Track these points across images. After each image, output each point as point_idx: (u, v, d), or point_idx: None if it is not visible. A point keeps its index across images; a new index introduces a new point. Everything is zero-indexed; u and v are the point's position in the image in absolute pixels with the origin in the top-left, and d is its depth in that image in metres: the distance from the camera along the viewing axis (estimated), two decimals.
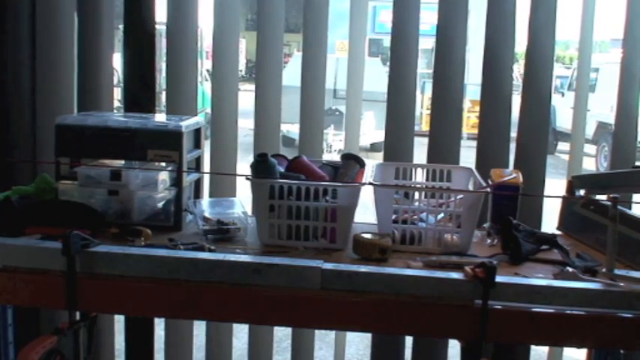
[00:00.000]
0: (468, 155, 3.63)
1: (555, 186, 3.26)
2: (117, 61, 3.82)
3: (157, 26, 3.52)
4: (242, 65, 27.18)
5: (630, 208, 2.78)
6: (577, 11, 3.49)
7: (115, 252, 2.22)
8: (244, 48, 26.13)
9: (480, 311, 2.05)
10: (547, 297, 2.09)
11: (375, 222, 2.67)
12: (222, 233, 2.67)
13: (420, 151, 3.57)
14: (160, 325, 3.70)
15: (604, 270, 2.25)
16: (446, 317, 2.12)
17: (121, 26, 3.50)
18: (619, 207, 2.19)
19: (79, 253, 2.16)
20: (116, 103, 4.09)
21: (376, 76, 6.16)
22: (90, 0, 3.47)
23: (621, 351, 2.69)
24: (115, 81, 4.17)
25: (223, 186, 3.52)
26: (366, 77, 3.77)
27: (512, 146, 3.40)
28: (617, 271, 2.20)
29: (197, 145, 2.96)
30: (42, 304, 2.71)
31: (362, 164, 2.86)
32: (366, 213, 2.81)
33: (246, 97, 4.30)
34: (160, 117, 3.30)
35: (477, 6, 3.71)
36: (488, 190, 2.82)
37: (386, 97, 3.46)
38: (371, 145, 12.43)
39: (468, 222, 2.59)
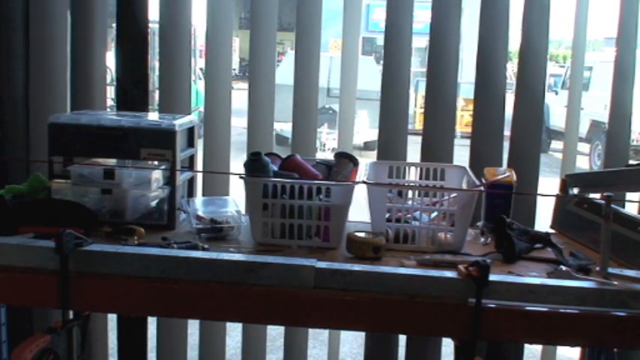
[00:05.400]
0: (461, 154, 3.63)
1: (549, 184, 3.27)
2: (110, 59, 3.81)
3: (149, 25, 3.52)
4: (235, 64, 27.14)
5: (624, 207, 2.78)
6: (570, 10, 3.50)
7: (108, 251, 2.21)
8: (237, 46, 26.13)
9: (474, 310, 2.05)
10: (541, 296, 2.09)
11: (369, 221, 2.67)
12: (215, 232, 2.67)
13: (414, 149, 3.57)
14: (153, 324, 3.70)
15: (597, 269, 2.25)
16: (439, 316, 2.12)
17: (114, 25, 3.49)
18: (612, 205, 2.19)
19: (72, 252, 2.15)
20: (109, 102, 4.08)
21: (370, 75, 6.16)
22: None
23: (615, 350, 2.70)
24: (108, 80, 4.15)
25: (217, 185, 3.52)
26: (359, 76, 3.76)
27: (506, 145, 3.40)
28: (610, 270, 2.20)
29: (190, 143, 2.96)
30: (35, 303, 2.70)
31: (355, 163, 2.86)
32: (359, 212, 2.80)
33: (239, 96, 4.30)
34: (153, 116, 3.29)
35: (470, 4, 3.71)
36: (482, 188, 2.82)
37: (379, 95, 3.46)
38: (364, 143, 12.42)
39: (461, 220, 2.59)
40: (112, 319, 3.81)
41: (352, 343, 4.99)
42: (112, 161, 2.92)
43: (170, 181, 2.80)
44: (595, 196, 2.88)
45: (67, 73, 3.52)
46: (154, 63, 4.91)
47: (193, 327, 3.81)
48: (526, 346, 3.54)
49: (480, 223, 2.91)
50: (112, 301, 2.25)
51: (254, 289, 2.15)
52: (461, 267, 2.11)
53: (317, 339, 4.85)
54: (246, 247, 2.58)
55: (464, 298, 2.09)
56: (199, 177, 3.25)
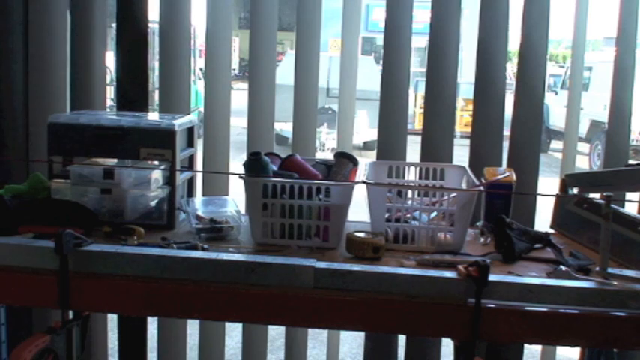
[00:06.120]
0: (461, 154, 3.63)
1: (548, 184, 3.27)
2: (110, 59, 3.82)
3: (149, 25, 3.52)
4: (235, 64, 27.16)
5: (623, 207, 2.78)
6: (570, 10, 3.50)
7: (107, 251, 2.21)
8: (237, 46, 26.15)
9: (473, 310, 2.05)
10: (540, 296, 2.09)
11: (369, 220, 2.67)
12: (215, 232, 2.67)
13: (413, 149, 3.58)
14: (152, 324, 3.70)
15: (597, 268, 2.25)
16: (439, 316, 2.12)
17: (113, 25, 3.49)
18: (612, 205, 2.19)
19: (72, 252, 2.15)
20: (109, 102, 4.08)
21: (369, 75, 6.16)
22: None
23: (614, 349, 2.70)
24: (108, 79, 4.16)
25: (216, 185, 3.52)
26: (359, 76, 3.77)
27: (506, 145, 3.40)
28: (610, 270, 2.20)
29: (190, 143, 2.96)
30: (35, 303, 2.70)
31: (355, 163, 2.86)
32: (359, 212, 2.80)
33: (239, 96, 4.30)
34: (153, 115, 3.29)
35: (470, 4, 3.72)
36: (482, 188, 2.82)
37: (379, 95, 3.46)
38: (364, 143, 12.44)
39: (461, 220, 2.59)
40: (112, 319, 3.81)
41: (352, 343, 4.99)
42: (112, 161, 2.92)
43: (170, 181, 2.79)
44: (595, 196, 2.88)
45: (66, 72, 3.52)
46: (154, 63, 4.91)
47: (193, 327, 3.81)
48: (526, 346, 3.54)
49: (479, 223, 2.91)
50: (112, 301, 2.25)
51: (254, 289, 2.15)
52: (460, 267, 2.11)
53: (317, 339, 4.85)
54: (245, 247, 2.58)
55: (463, 298, 2.09)
56: (199, 177, 3.25)
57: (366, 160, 3.01)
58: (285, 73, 4.19)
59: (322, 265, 2.16)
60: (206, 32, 3.52)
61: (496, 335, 2.21)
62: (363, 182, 2.58)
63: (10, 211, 2.53)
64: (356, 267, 2.16)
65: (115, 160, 2.93)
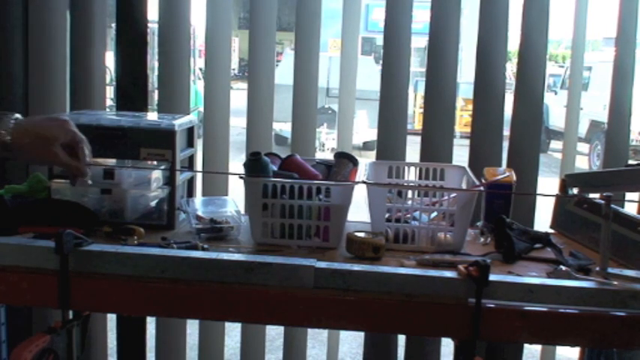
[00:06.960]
0: (460, 154, 3.63)
1: (548, 184, 3.27)
2: (109, 59, 3.81)
3: (149, 24, 3.52)
4: (235, 64, 27.18)
5: (623, 207, 2.78)
6: (569, 10, 3.50)
7: (107, 251, 2.21)
8: (237, 46, 26.16)
9: (473, 310, 2.05)
10: (540, 295, 2.08)
11: (369, 221, 2.67)
12: (215, 232, 2.66)
13: (413, 149, 3.58)
14: (152, 324, 3.70)
15: (597, 269, 2.25)
16: (439, 316, 2.12)
17: (113, 25, 3.49)
18: (612, 206, 2.19)
19: (72, 252, 2.14)
20: (108, 102, 4.08)
21: (369, 75, 6.16)
22: None
23: (614, 349, 2.70)
24: (108, 79, 4.16)
25: (216, 185, 3.52)
26: (358, 76, 3.77)
27: (505, 145, 3.41)
28: (610, 270, 2.20)
29: (190, 143, 2.96)
30: (35, 303, 2.69)
31: (355, 163, 2.86)
32: (359, 212, 2.80)
33: (238, 96, 4.30)
34: (153, 116, 3.29)
35: (469, 4, 3.72)
36: (482, 188, 2.82)
37: (379, 95, 3.46)
38: (364, 143, 12.46)
39: (461, 220, 2.59)
40: (111, 319, 3.81)
41: (351, 343, 5.00)
42: (112, 161, 2.91)
43: (170, 181, 2.79)
44: (595, 195, 2.88)
45: (66, 72, 3.52)
46: (154, 63, 4.91)
47: (193, 327, 3.81)
48: (526, 346, 3.54)
49: (479, 223, 2.91)
50: (112, 301, 2.24)
51: (253, 289, 2.14)
52: (460, 267, 2.11)
53: (316, 339, 4.85)
54: (245, 247, 2.58)
55: (464, 298, 2.09)
56: (199, 177, 3.25)
57: (366, 160, 3.01)
58: (284, 73, 4.19)
59: (322, 265, 2.16)
60: (206, 32, 3.52)
61: (496, 335, 2.21)
62: (363, 182, 2.58)
63: (10, 211, 2.53)
64: (356, 267, 2.16)
65: (115, 160, 2.92)
